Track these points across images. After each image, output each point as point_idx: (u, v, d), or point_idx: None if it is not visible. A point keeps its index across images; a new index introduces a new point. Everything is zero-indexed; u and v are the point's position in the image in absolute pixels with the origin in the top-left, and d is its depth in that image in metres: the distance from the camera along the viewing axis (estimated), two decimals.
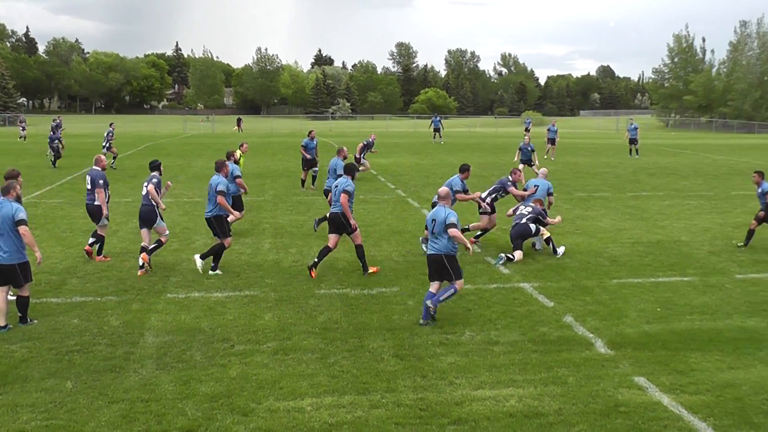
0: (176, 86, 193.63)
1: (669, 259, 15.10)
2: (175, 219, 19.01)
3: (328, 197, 17.42)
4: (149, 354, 9.36)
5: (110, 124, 37.98)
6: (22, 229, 10.07)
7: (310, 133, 26.23)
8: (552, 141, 40.82)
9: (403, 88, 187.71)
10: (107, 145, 34.57)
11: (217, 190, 13.26)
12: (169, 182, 14.58)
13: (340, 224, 13.28)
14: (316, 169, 26.06)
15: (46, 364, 9.01)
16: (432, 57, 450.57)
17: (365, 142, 30.77)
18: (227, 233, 13.53)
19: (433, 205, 12.20)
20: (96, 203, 14.32)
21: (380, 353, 9.42)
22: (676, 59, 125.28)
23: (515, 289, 12.62)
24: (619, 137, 69.98)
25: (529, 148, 31.03)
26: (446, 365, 9.00)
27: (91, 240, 14.63)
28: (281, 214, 20.23)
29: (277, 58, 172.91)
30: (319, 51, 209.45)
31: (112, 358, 9.21)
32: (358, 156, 29.35)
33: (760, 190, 16.26)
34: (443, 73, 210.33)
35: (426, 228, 11.93)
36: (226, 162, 14.05)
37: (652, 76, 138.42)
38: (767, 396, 8.19)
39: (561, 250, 15.21)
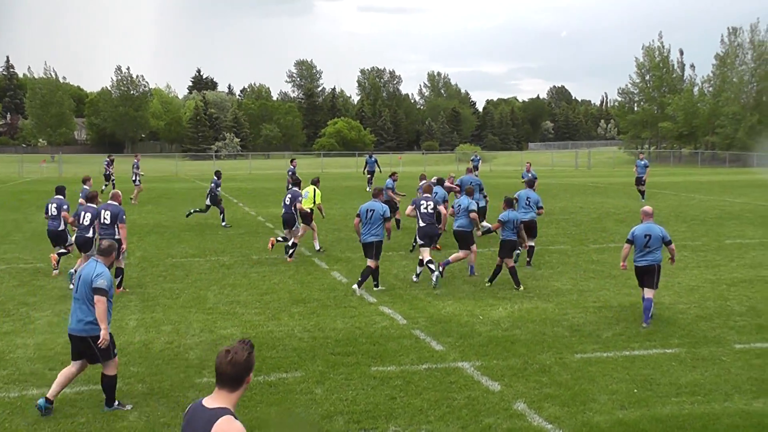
0: (8, 115, 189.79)
1: (647, 326, 15.30)
2: (8, 292, 18.45)
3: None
4: None
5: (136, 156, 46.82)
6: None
7: (392, 174, 29.99)
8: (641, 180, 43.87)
9: (306, 119, 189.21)
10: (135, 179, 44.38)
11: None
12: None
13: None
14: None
15: None
16: (341, 79, 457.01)
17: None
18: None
19: None
20: (116, 237, 18.09)
21: None
22: (647, 77, 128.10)
23: (452, 369, 12.66)
24: (580, 175, 71.61)
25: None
26: None
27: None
28: (151, 281, 19.87)
29: (144, 80, 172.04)
30: (198, 72, 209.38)
31: None
32: None
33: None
34: (356, 99, 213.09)
35: (630, 242, 15.71)
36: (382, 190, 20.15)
37: (618, 99, 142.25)
38: None
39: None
